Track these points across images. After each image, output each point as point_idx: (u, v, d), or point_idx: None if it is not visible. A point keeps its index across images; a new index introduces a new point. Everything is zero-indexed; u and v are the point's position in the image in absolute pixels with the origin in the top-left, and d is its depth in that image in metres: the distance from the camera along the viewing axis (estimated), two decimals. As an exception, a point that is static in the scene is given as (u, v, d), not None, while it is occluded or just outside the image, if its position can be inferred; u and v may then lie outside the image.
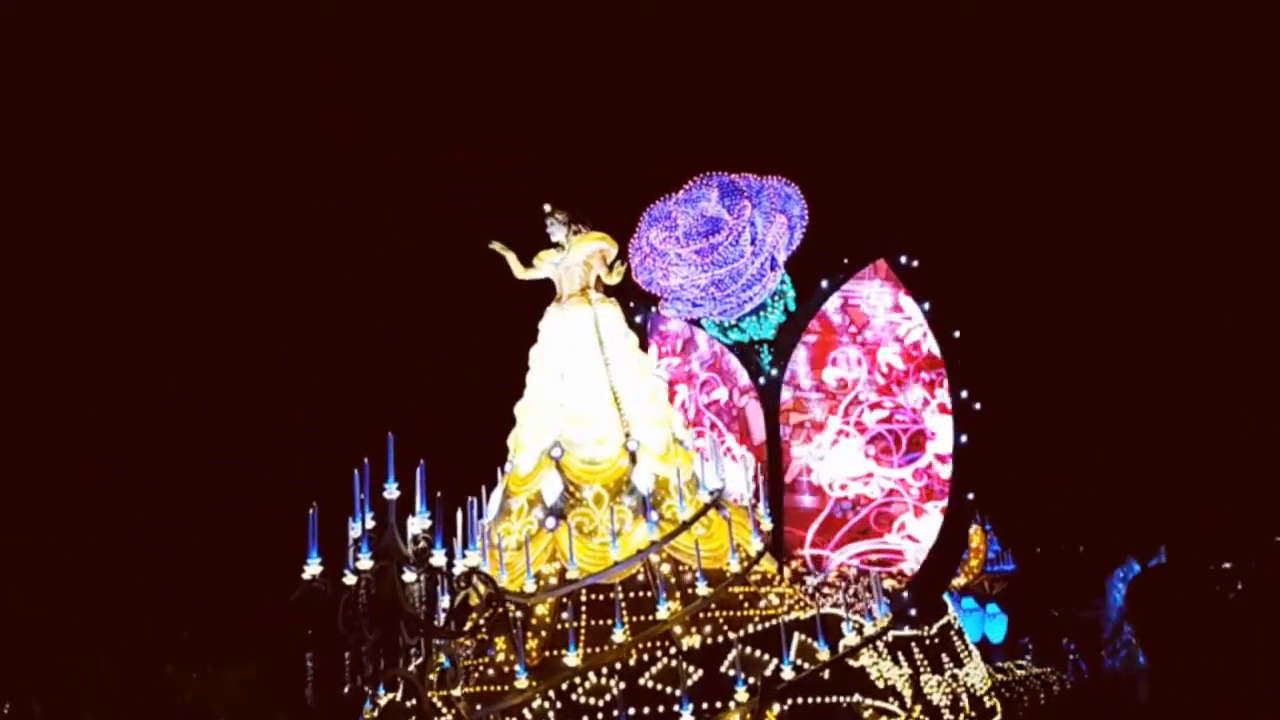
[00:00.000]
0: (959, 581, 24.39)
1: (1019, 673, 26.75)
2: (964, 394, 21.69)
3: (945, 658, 18.16)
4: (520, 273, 16.96)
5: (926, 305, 22.11)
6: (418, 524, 11.99)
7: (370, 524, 11.64)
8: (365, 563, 11.31)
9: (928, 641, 18.11)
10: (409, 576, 11.98)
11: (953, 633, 19.06)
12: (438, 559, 11.63)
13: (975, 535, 24.52)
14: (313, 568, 11.47)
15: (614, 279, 16.63)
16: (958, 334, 22.20)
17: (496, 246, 16.82)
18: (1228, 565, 27.72)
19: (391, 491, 11.97)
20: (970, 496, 21.15)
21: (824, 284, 22.21)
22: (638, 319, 23.45)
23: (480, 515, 15.33)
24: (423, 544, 11.73)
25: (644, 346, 23.28)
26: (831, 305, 21.84)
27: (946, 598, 22.99)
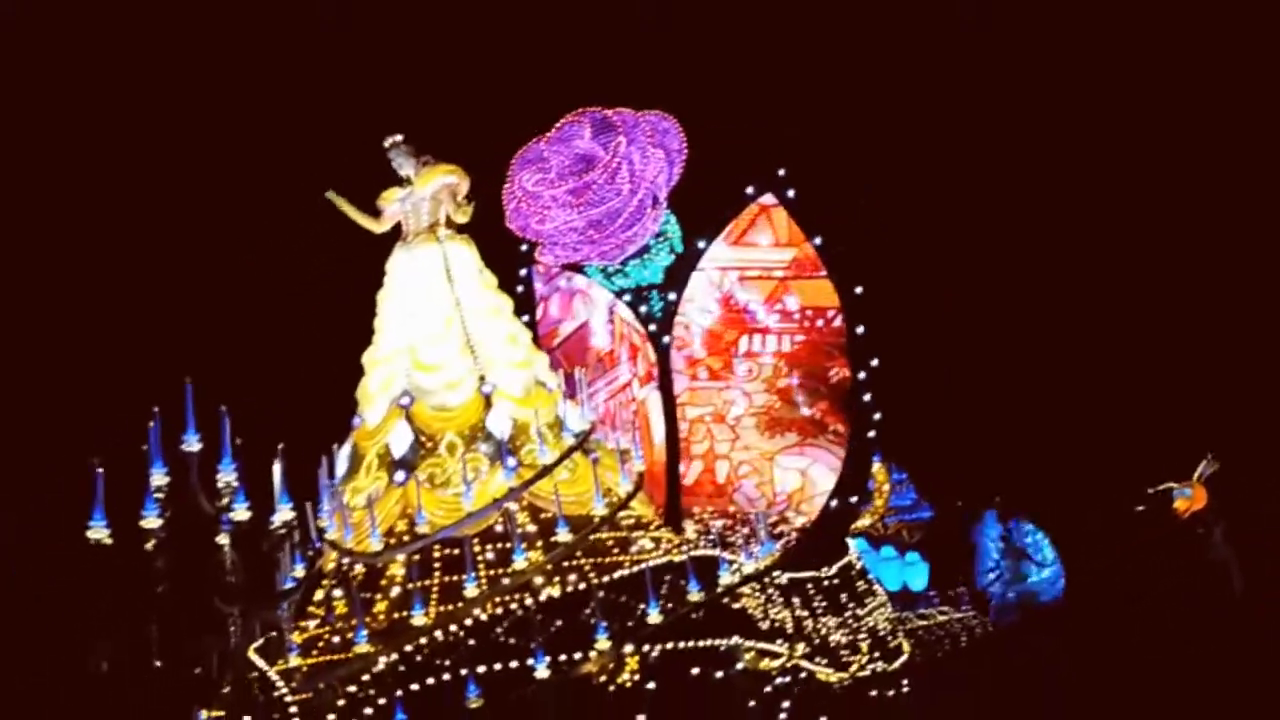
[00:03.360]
0: (865, 522, 23.61)
1: (940, 619, 26.22)
2: (860, 330, 20.82)
3: (845, 598, 17.31)
4: (373, 225, 15.62)
5: (817, 240, 21.21)
6: (223, 478, 10.77)
7: (163, 480, 10.39)
8: (153, 521, 10.05)
9: (826, 582, 17.25)
10: (221, 540, 10.80)
11: (854, 573, 18.22)
12: (240, 516, 10.41)
13: (880, 474, 23.76)
14: (97, 531, 10.19)
15: (463, 217, 15.34)
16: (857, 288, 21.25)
17: (332, 197, 15.41)
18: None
19: (191, 444, 10.76)
20: (871, 435, 20.33)
21: (705, 242, 21.11)
22: (523, 272, 22.28)
23: (331, 475, 14.10)
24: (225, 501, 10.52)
25: (529, 306, 22.11)
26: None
27: (860, 543, 22.22)
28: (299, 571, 12.69)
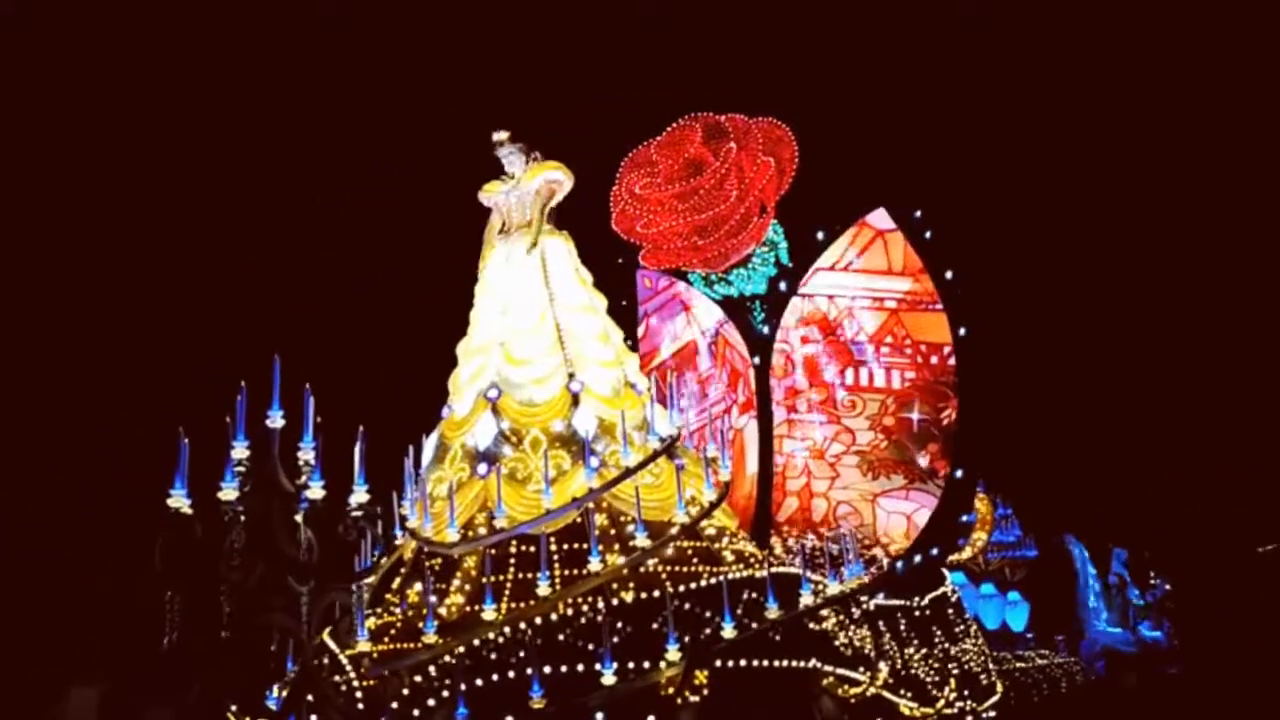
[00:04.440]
0: (965, 554, 22.64)
1: (1039, 662, 25.08)
2: (962, 330, 19.80)
3: (936, 630, 16.53)
4: (491, 238, 15.50)
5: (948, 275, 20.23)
6: (303, 454, 10.72)
7: (244, 453, 10.37)
8: (229, 493, 10.05)
9: (917, 613, 16.50)
10: (298, 517, 10.75)
11: (948, 606, 17.40)
12: (315, 492, 10.33)
13: (982, 505, 22.77)
14: (177, 499, 10.22)
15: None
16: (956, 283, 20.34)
17: None
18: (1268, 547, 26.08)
19: (275, 420, 10.74)
20: (959, 474, 19.29)
21: (820, 235, 20.59)
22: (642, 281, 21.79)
23: (417, 464, 14.06)
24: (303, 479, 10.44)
25: (631, 310, 21.76)
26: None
27: (957, 577, 21.28)
28: (375, 557, 12.62)
